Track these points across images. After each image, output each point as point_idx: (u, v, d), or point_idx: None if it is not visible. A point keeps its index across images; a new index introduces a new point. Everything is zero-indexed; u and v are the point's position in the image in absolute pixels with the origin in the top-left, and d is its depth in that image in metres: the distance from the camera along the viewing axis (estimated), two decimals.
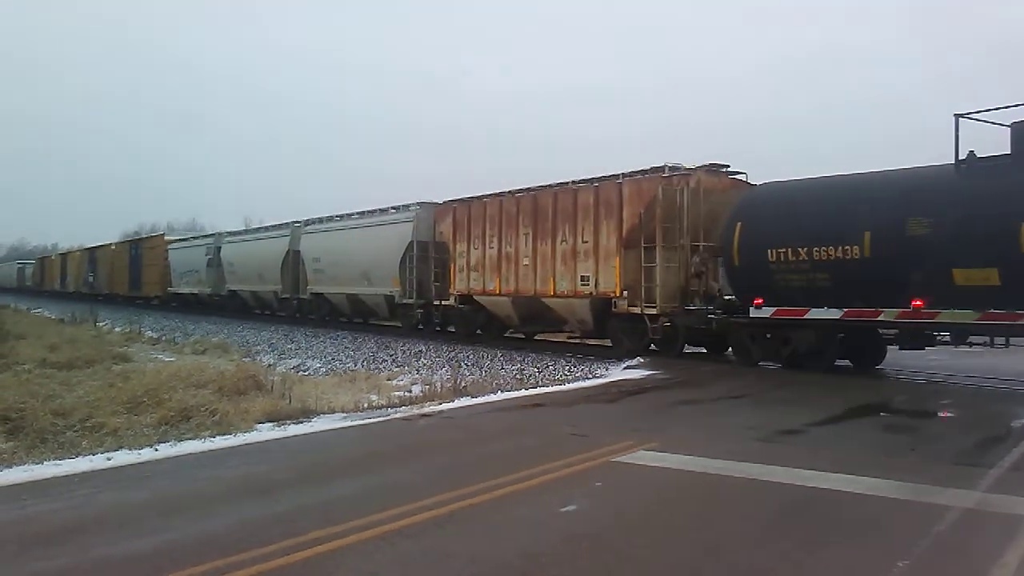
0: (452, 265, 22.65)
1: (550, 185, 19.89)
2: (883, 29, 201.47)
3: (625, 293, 17.20)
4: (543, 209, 19.55)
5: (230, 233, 39.86)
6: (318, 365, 17.92)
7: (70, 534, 5.33)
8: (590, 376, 14.63)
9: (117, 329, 26.54)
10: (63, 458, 7.64)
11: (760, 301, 14.80)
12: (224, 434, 8.87)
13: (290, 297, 32.01)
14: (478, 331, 22.57)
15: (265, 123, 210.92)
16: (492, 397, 11.76)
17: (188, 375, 12.03)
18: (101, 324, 27.46)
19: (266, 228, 36.46)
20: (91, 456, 7.71)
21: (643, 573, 4.51)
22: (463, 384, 12.57)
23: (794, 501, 6.05)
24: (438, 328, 24.28)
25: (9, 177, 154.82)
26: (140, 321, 28.81)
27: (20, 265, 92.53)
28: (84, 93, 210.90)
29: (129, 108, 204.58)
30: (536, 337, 22.73)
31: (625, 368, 15.40)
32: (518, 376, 14.75)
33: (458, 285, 22.38)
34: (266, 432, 9.11)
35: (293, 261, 31.55)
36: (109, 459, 7.63)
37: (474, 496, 6.07)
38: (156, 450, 8.03)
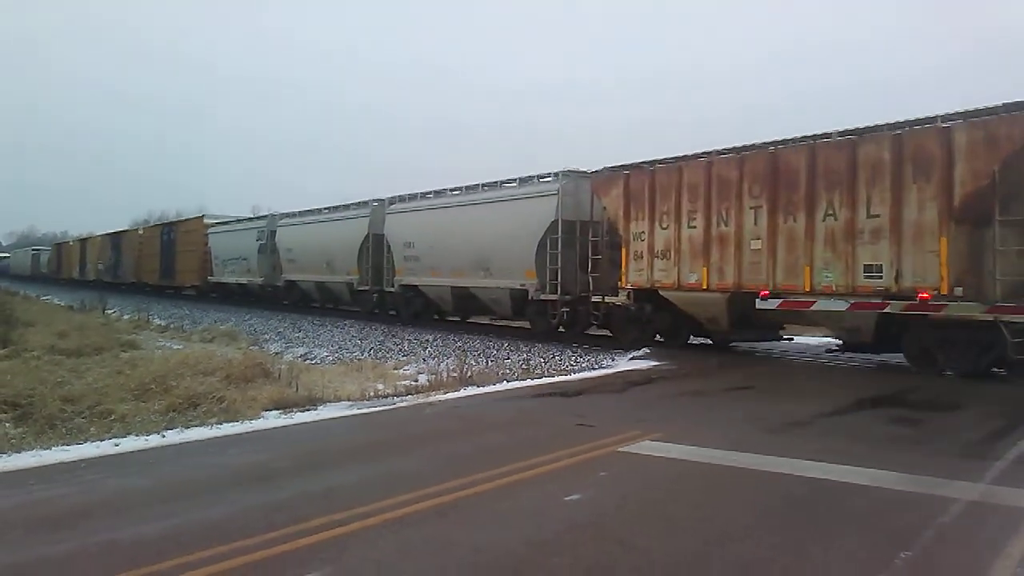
0: (625, 251, 17.63)
1: (801, 138, 14.57)
2: None
3: (958, 290, 12.17)
4: (789, 171, 14.39)
5: (287, 215, 33.56)
6: (325, 354, 17.98)
7: (77, 519, 5.38)
8: (596, 366, 14.63)
9: (126, 317, 26.68)
10: (71, 444, 7.71)
11: None
12: (231, 421, 8.92)
13: (369, 290, 26.68)
14: (657, 336, 17.77)
15: (270, 114, 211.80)
16: (498, 387, 11.77)
17: (196, 363, 12.09)
18: (110, 312, 27.60)
19: (336, 208, 29.94)
20: (98, 442, 7.77)
21: (647, 562, 4.51)
22: (469, 374, 12.60)
23: (799, 492, 6.05)
24: (590, 334, 19.58)
25: (19, 166, 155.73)
26: (149, 309, 28.96)
27: (35, 252, 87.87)
28: (93, 85, 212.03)
29: (137, 100, 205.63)
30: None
31: (631, 359, 15.39)
32: (524, 366, 14.76)
33: (633, 276, 17.38)
34: (272, 420, 9.16)
35: (375, 247, 26.32)
36: (116, 445, 7.69)
37: (478, 484, 6.09)
38: (163, 437, 8.08)
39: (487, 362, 15.43)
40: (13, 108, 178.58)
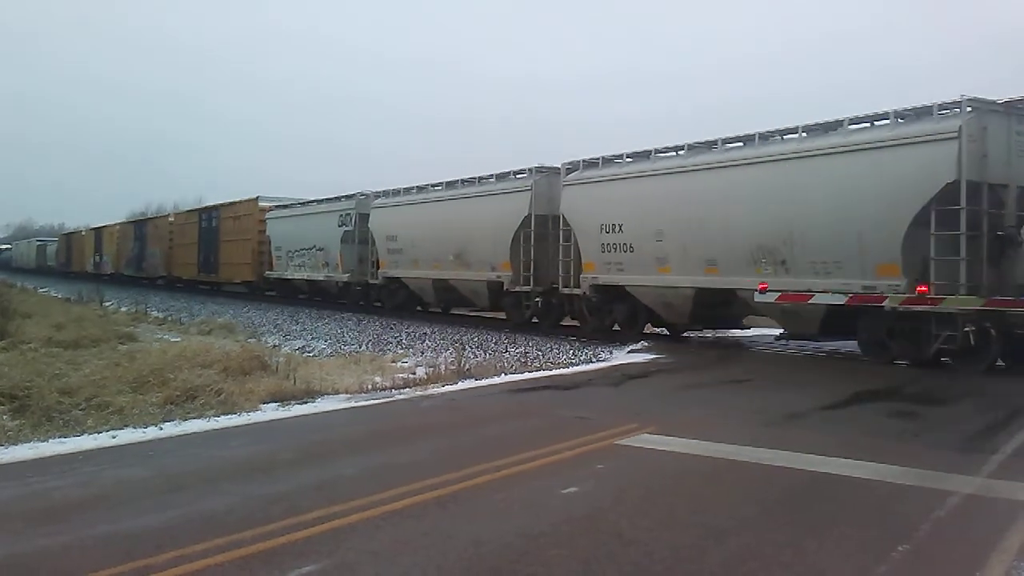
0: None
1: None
2: None
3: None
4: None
5: (384, 193, 26.40)
6: (323, 346, 17.95)
7: (74, 511, 5.37)
8: (594, 360, 14.63)
9: (123, 309, 26.64)
10: (68, 436, 7.71)
11: None
12: (228, 414, 8.92)
13: (530, 291, 20.39)
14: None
15: (268, 106, 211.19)
16: (495, 380, 11.77)
17: (193, 355, 12.04)
18: (107, 304, 27.56)
19: (470, 181, 22.62)
20: (96, 434, 7.77)
21: (644, 555, 4.52)
22: (467, 367, 12.59)
23: (797, 485, 6.06)
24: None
25: (14, 158, 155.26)
26: (147, 302, 28.93)
27: (40, 243, 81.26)
28: (88, 76, 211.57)
29: (133, 91, 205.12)
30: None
31: (629, 352, 15.40)
32: (522, 359, 14.75)
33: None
34: (270, 412, 9.16)
35: (539, 233, 19.97)
36: (114, 437, 7.69)
37: (476, 477, 6.09)
38: (161, 429, 8.08)
39: (485, 355, 15.41)
40: (8, 100, 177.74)
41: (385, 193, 25.89)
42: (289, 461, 6.79)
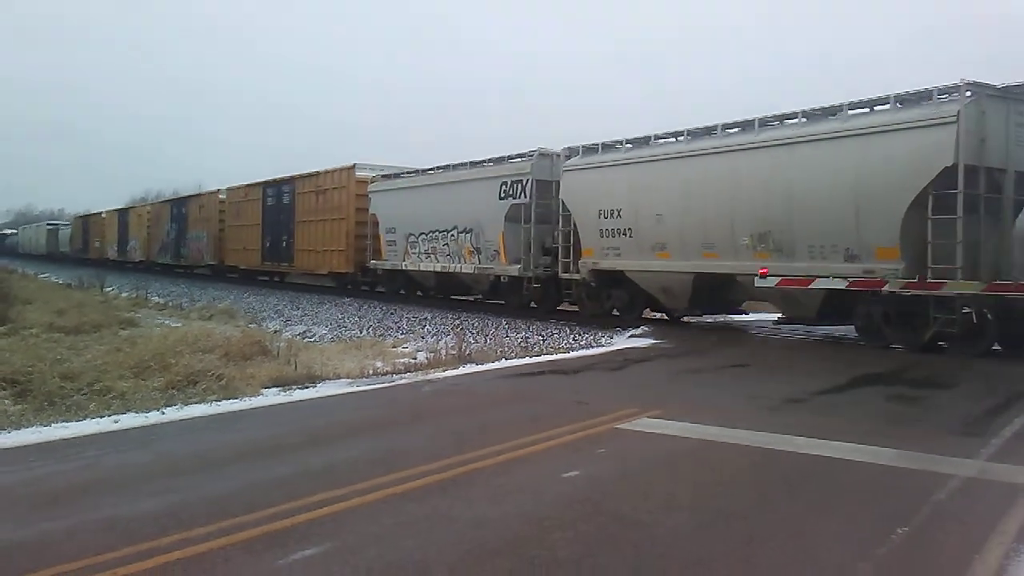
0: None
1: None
2: None
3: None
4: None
5: (584, 150, 18.46)
6: (324, 332, 17.98)
7: (77, 495, 5.40)
8: (595, 345, 14.64)
9: (124, 295, 26.66)
10: (71, 421, 7.73)
11: None
12: (230, 398, 8.94)
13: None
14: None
15: (269, 86, 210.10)
16: (496, 364, 11.79)
17: (195, 340, 12.07)
18: (108, 289, 27.58)
19: (775, 121, 14.96)
20: (98, 419, 7.79)
21: (645, 538, 4.54)
22: (468, 352, 12.60)
23: (796, 469, 6.08)
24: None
25: (13, 143, 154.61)
26: (148, 287, 28.95)
27: (51, 227, 74.33)
28: (88, 61, 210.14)
29: (132, 75, 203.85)
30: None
31: (630, 337, 15.41)
32: (523, 344, 14.77)
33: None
34: (272, 397, 9.18)
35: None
36: (116, 422, 7.71)
37: (477, 461, 6.11)
38: (163, 413, 8.10)
39: (485, 340, 15.43)
40: (7, 85, 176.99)
41: (587, 150, 18.39)
42: (291, 445, 6.81)
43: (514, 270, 20.23)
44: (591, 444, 6.79)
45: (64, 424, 7.59)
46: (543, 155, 19.77)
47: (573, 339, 15.66)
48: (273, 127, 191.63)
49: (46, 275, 41.00)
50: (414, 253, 23.83)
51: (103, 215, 57.73)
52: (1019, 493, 5.38)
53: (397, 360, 12.42)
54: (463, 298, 23.70)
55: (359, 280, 27.25)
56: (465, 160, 22.38)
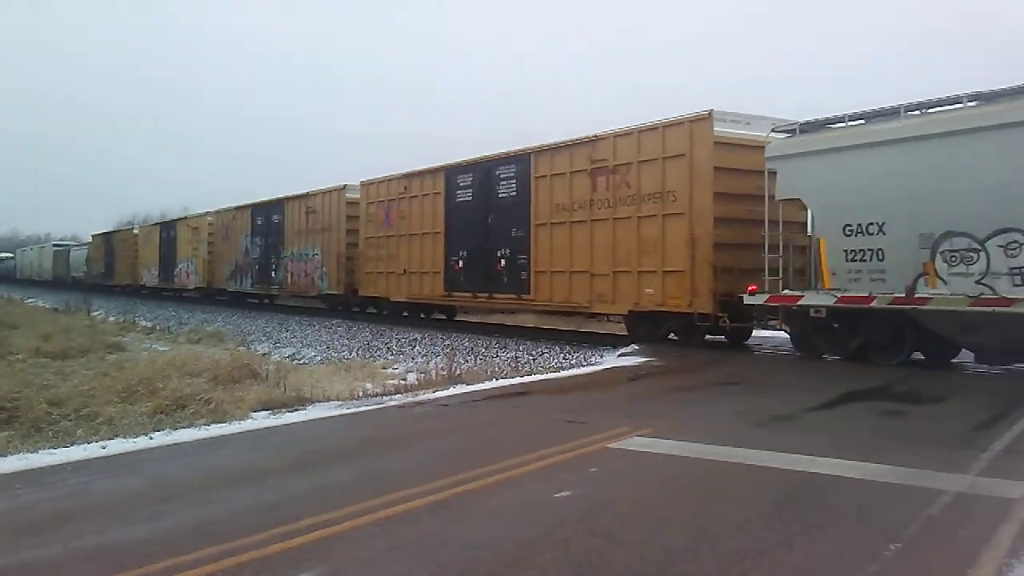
0: None
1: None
2: None
3: None
4: None
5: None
6: (313, 354, 17.94)
7: (64, 522, 5.33)
8: (584, 363, 14.65)
9: (111, 319, 26.51)
10: (58, 447, 7.65)
11: None
12: (219, 422, 8.87)
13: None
14: None
15: (259, 98, 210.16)
16: (487, 385, 11.76)
17: (183, 364, 12.02)
18: (95, 313, 27.43)
19: None
20: (86, 445, 7.71)
21: (637, 558, 4.52)
22: (458, 372, 12.59)
23: (788, 486, 6.07)
24: None
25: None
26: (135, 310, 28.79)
27: (59, 248, 64.91)
28: (76, 79, 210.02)
29: (125, 95, 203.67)
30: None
31: (619, 355, 15.42)
32: (513, 364, 14.76)
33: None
34: (261, 420, 9.12)
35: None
36: (104, 448, 7.63)
37: (468, 483, 6.08)
38: (151, 439, 8.03)
39: (476, 360, 15.43)
40: None
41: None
42: (280, 469, 6.76)
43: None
44: (582, 464, 6.77)
45: (51, 450, 7.50)
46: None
47: (563, 358, 15.67)
48: (263, 140, 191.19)
49: (32, 300, 40.43)
50: (943, 271, 11.94)
51: (134, 231, 49.10)
52: (1011, 507, 5.40)
53: (387, 381, 12.38)
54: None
55: (723, 325, 15.68)
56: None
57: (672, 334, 16.47)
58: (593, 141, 17.59)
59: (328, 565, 4.43)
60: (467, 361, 15.03)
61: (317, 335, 22.05)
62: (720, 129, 15.26)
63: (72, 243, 66.13)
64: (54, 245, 68.50)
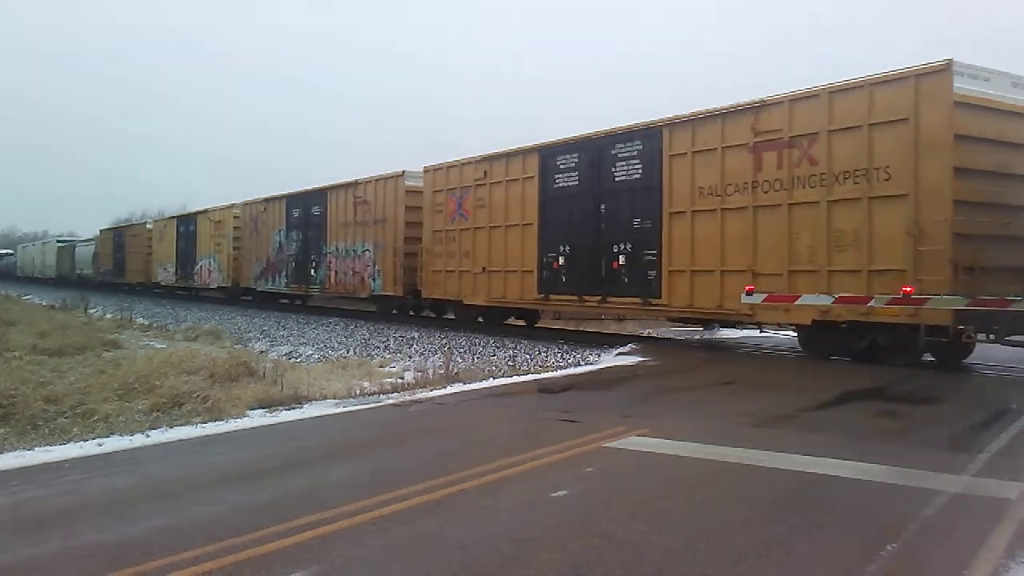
0: None
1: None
2: None
3: None
4: None
5: None
6: (310, 352, 17.93)
7: (60, 520, 5.32)
8: (582, 363, 14.64)
9: (108, 316, 26.47)
10: (54, 444, 7.63)
11: None
12: (215, 420, 8.86)
13: None
14: None
15: (252, 104, 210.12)
16: (484, 383, 11.75)
17: (179, 362, 12.01)
18: (92, 311, 27.39)
19: None
20: (82, 442, 7.70)
21: (634, 558, 4.52)
22: (455, 371, 12.58)
23: (785, 486, 6.08)
24: None
25: None
26: (132, 308, 28.74)
27: (63, 244, 61.01)
28: (70, 82, 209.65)
29: (113, 97, 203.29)
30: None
31: (617, 355, 15.42)
32: (510, 363, 14.75)
33: None
34: (257, 418, 9.10)
35: None
36: (100, 445, 7.62)
37: (465, 481, 6.07)
38: (147, 436, 8.02)
39: (473, 359, 15.42)
40: None
41: None
42: (277, 467, 6.75)
43: None
44: (579, 463, 6.76)
45: (47, 448, 7.49)
46: None
47: (561, 357, 15.66)
48: (252, 142, 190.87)
49: (29, 297, 40.39)
50: None
51: (148, 225, 45.61)
52: (1008, 508, 5.41)
53: (384, 380, 12.37)
54: None
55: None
56: None
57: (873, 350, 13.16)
58: (757, 108, 14.26)
59: (324, 564, 4.42)
60: (464, 360, 15.02)
61: (315, 333, 22.03)
62: (959, 85, 12.01)
63: (78, 240, 61.90)
64: (58, 241, 64.39)
